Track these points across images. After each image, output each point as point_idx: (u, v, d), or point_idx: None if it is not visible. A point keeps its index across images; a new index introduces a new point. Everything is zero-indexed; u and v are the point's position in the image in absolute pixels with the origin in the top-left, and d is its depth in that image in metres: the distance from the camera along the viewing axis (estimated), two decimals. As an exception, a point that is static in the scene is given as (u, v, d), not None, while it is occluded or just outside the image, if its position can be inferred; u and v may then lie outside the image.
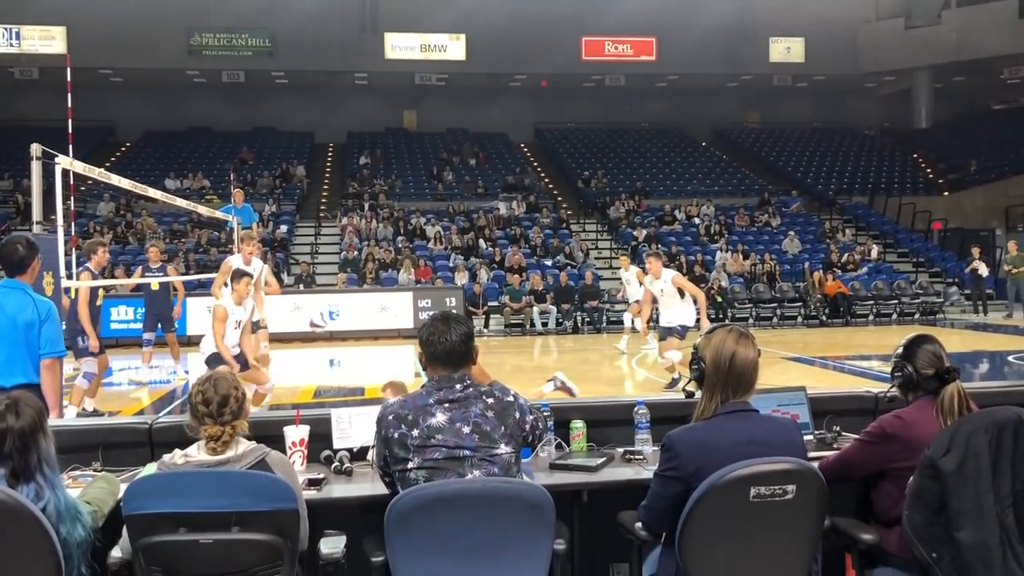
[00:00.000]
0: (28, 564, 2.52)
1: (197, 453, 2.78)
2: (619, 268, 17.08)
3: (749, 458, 2.63)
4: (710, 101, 31.70)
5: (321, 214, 25.06)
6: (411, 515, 2.52)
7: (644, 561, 3.03)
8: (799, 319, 19.84)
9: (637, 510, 2.93)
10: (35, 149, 6.37)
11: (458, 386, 2.85)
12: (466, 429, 2.77)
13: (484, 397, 2.86)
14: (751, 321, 19.46)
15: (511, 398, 2.92)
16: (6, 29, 26.50)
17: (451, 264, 20.76)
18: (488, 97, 30.58)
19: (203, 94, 29.73)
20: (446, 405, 2.80)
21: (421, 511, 2.52)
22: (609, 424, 3.88)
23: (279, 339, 16.63)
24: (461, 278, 19.64)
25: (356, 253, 21.09)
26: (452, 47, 28.43)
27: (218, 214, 13.36)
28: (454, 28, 28.12)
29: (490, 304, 18.90)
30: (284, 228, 22.64)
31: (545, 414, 3.70)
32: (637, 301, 13.86)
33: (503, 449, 2.79)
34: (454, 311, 3.09)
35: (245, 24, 27.47)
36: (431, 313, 14.02)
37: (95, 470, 3.45)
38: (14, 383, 4.29)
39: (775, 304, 20.03)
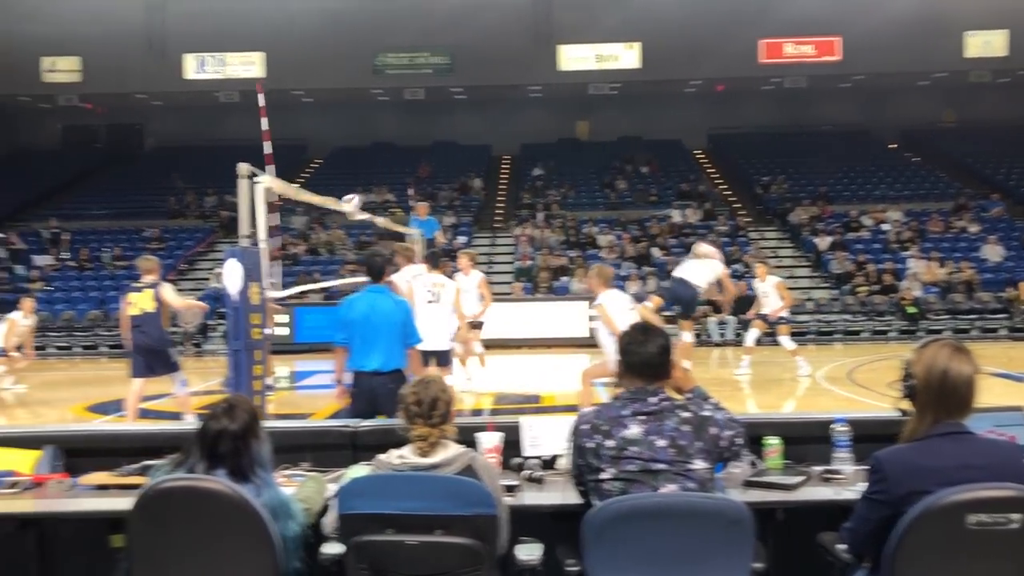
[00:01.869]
0: (249, 555, 2.72)
1: (409, 454, 2.90)
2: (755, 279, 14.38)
3: (964, 483, 2.46)
4: (899, 101, 29.96)
5: (496, 224, 25.59)
6: (609, 527, 2.53)
7: (845, 584, 2.90)
8: (1002, 331, 18.38)
9: (839, 531, 2.81)
10: (242, 169, 6.85)
11: (652, 399, 2.83)
12: (661, 443, 2.74)
13: (679, 411, 2.82)
14: (947, 334, 18.22)
15: (707, 412, 2.87)
16: (212, 56, 28.77)
17: (624, 273, 20.67)
18: (661, 104, 30.25)
19: (386, 111, 31.08)
20: (640, 417, 2.79)
21: (620, 523, 2.53)
22: (805, 441, 3.74)
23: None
24: (633, 287, 19.50)
25: (530, 262, 21.39)
26: (626, 56, 28.32)
27: (402, 228, 13.92)
28: (628, 37, 28.02)
29: (664, 314, 18.63)
30: (463, 239, 23.28)
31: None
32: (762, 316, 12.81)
33: (699, 464, 2.75)
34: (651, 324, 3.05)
35: (426, 42, 28.50)
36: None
37: (304, 470, 3.67)
38: (392, 368, 5.51)
39: (974, 315, 18.67)
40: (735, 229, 23.38)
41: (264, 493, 2.83)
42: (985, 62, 28.11)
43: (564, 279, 20.24)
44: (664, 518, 2.52)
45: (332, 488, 3.25)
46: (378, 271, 5.77)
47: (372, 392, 5.42)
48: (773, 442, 3.65)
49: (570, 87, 29.14)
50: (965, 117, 30.66)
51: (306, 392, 12.72)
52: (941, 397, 2.61)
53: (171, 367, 8.57)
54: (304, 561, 2.90)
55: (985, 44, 27.77)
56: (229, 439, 2.84)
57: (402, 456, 2.91)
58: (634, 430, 2.77)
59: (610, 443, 2.76)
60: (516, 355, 16.69)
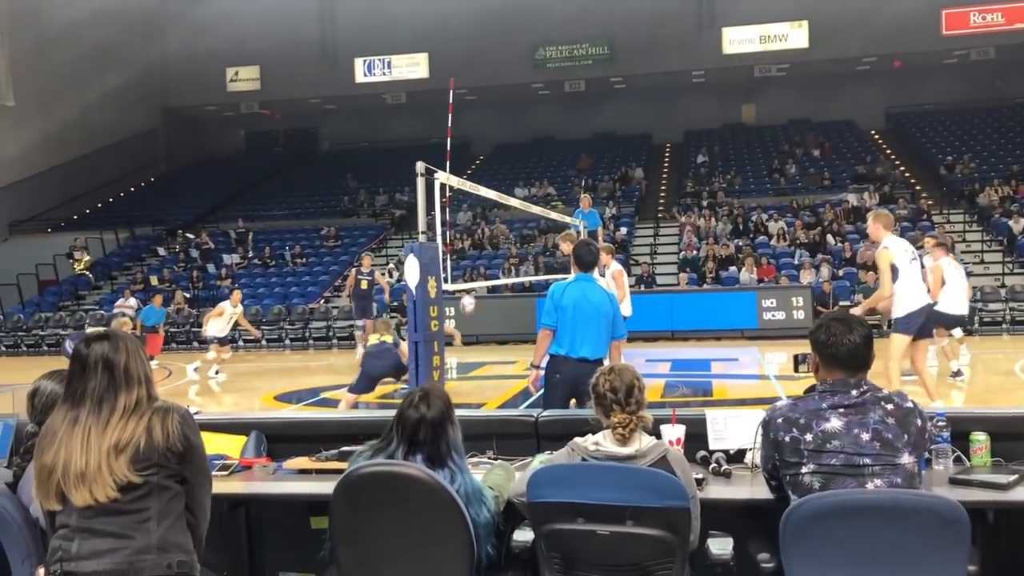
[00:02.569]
0: (447, 539, 2.80)
1: (605, 441, 2.90)
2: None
3: None
4: (1103, 68, 27.32)
5: (659, 214, 25.25)
6: (812, 523, 2.44)
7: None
8: None
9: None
10: (419, 167, 7.08)
11: (854, 391, 2.71)
12: (865, 436, 2.62)
13: (883, 403, 2.69)
14: None
15: (911, 404, 2.73)
16: (380, 60, 29.90)
17: (796, 261, 19.92)
18: (832, 84, 28.91)
19: (546, 105, 31.28)
20: (841, 410, 2.68)
21: (823, 519, 2.43)
22: (1017, 438, 3.47)
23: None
24: (807, 276, 18.77)
25: (695, 252, 20.98)
26: (794, 35, 27.26)
27: (567, 219, 13.97)
28: (795, 15, 26.95)
29: (841, 304, 17.83)
30: (624, 230, 23.12)
31: (940, 423, 3.40)
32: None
33: (906, 458, 2.62)
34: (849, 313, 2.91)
35: (586, 34, 28.48)
36: (776, 313, 13.42)
37: (490, 458, 3.75)
38: (599, 357, 5.51)
39: None
40: (917, 212, 22.03)
41: (458, 479, 2.91)
42: None
43: (732, 269, 19.71)
44: (871, 515, 2.40)
45: (519, 476, 3.30)
46: (591, 261, 5.77)
47: (578, 379, 5.12)
48: (980, 438, 3.41)
49: (735, 70, 28.37)
50: None
51: (476, 382, 13.01)
52: None
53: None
54: (494, 547, 2.97)
55: None
56: (427, 426, 2.94)
57: (598, 443, 2.90)
58: (835, 423, 2.66)
59: (808, 437, 2.66)
60: (683, 347, 16.42)
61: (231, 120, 33.73)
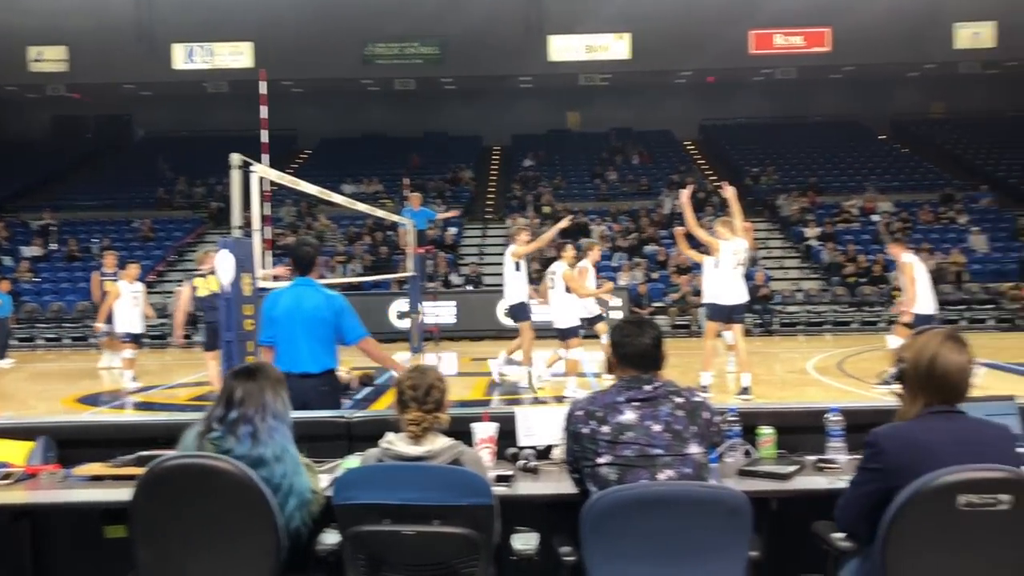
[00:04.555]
0: (252, 536, 2.75)
1: (397, 440, 2.92)
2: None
3: (960, 461, 2.50)
4: (889, 92, 30.06)
5: (488, 216, 25.57)
6: (608, 516, 2.54)
7: (839, 573, 2.92)
8: (990, 322, 18.52)
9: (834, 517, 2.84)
10: (235, 159, 6.81)
11: (647, 386, 2.87)
12: (657, 428, 2.78)
13: (673, 396, 2.86)
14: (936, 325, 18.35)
15: (699, 398, 2.91)
16: (200, 47, 28.59)
17: (615, 264, 20.69)
18: (652, 95, 30.27)
19: (376, 102, 30.98)
20: (635, 403, 2.83)
21: (619, 512, 2.53)
22: (799, 431, 3.76)
23: (447, 337, 17.13)
24: (625, 278, 19.54)
25: (522, 254, 21.37)
26: (616, 46, 28.29)
27: (395, 218, 13.88)
28: (619, 27, 27.99)
29: (655, 304, 18.70)
30: (453, 230, 23.24)
31: (732, 419, 3.63)
32: None
33: (694, 449, 2.79)
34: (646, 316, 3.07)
35: (416, 33, 28.40)
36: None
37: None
38: (322, 369, 4.92)
39: (963, 306, 18.78)
40: (725, 220, 23.40)
41: (281, 470, 2.87)
42: (974, 53, 28.19)
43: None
44: (663, 507, 2.53)
45: (325, 479, 3.25)
46: (308, 262, 5.16)
47: (303, 396, 4.68)
48: (767, 432, 3.66)
49: (561, 78, 29.11)
50: (954, 108, 30.80)
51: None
52: (930, 382, 2.67)
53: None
54: (299, 551, 2.91)
55: (974, 36, 27.85)
56: (248, 394, 2.97)
57: (389, 442, 2.91)
58: (629, 416, 2.80)
59: (605, 429, 2.79)
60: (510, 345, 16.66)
61: (36, 103, 31.24)
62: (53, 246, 23.17)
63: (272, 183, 8.05)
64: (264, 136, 7.60)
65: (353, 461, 3.29)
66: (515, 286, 10.83)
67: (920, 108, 31.02)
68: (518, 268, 10.83)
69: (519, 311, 10.83)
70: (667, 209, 23.58)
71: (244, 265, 6.29)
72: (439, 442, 2.91)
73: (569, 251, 10.54)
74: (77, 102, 30.76)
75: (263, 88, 7.67)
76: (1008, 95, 30.00)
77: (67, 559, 3.77)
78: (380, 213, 14.18)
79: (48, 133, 32.21)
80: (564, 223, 11.97)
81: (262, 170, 6.90)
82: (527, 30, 28.24)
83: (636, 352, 2.91)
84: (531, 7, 28.18)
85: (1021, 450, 3.54)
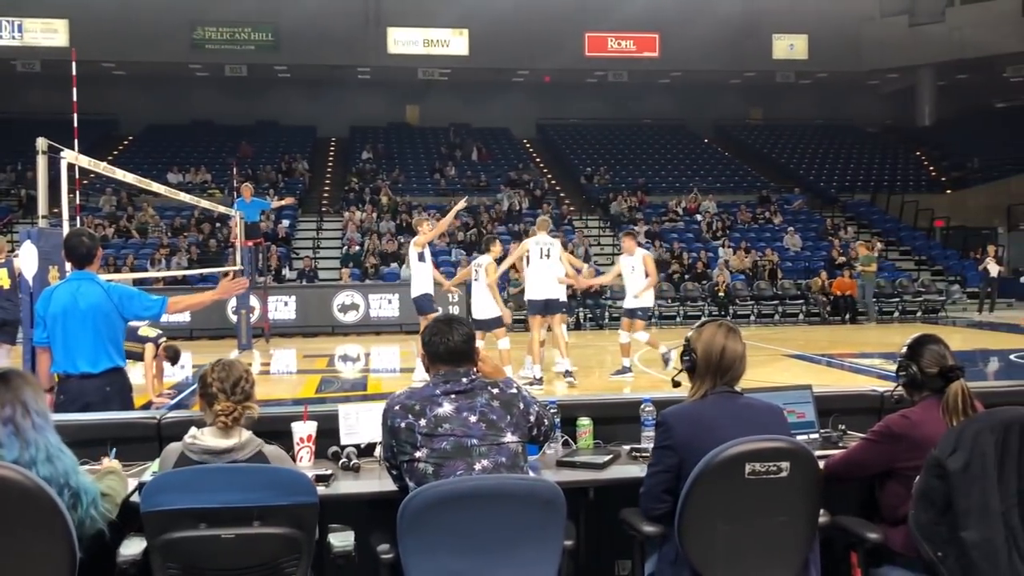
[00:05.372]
0: (44, 548, 2.53)
1: (203, 434, 2.83)
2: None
3: (741, 435, 2.75)
4: (713, 98, 31.68)
5: (323, 209, 25.07)
6: (424, 512, 2.54)
7: (647, 558, 3.06)
8: (800, 316, 19.87)
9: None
10: (41, 143, 6.35)
11: (464, 379, 2.91)
12: (473, 418, 2.82)
13: (490, 388, 2.92)
14: (752, 318, 19.51)
15: (515, 390, 2.99)
16: (8, 22, 26.49)
17: (453, 259, 20.78)
18: (491, 92, 30.57)
19: (205, 88, 29.70)
20: (453, 396, 2.86)
21: (434, 508, 2.54)
22: (616, 421, 3.90)
23: (283, 334, 16.69)
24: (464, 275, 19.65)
25: (358, 248, 21.11)
26: (455, 42, 28.41)
27: (223, 209, 13.37)
28: (457, 23, 28.10)
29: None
30: (286, 223, 22.64)
31: (552, 411, 3.71)
32: None
33: (509, 438, 2.84)
34: (456, 313, 3.13)
35: (248, 18, 27.45)
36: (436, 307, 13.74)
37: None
38: (103, 368, 4.60)
39: (777, 301, 20.05)
40: (560, 217, 23.97)
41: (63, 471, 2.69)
42: (790, 64, 30.21)
43: (393, 265, 20.10)
44: (479, 501, 2.55)
45: (133, 483, 3.09)
46: (84, 255, 4.72)
47: (84, 398, 4.54)
48: (584, 423, 3.78)
49: (400, 71, 28.94)
50: (771, 115, 32.83)
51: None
52: (719, 370, 2.98)
53: (12, 339, 8.89)
54: (97, 562, 2.74)
55: (789, 47, 29.83)
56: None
57: (194, 437, 2.82)
58: (447, 408, 2.83)
59: (423, 422, 2.80)
60: (344, 343, 16.46)
61: None
62: None
63: (90, 171, 7.57)
64: (75, 120, 7.12)
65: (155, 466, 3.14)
66: (420, 277, 10.58)
67: (741, 114, 32.88)
68: (422, 258, 10.59)
69: (423, 303, 10.52)
70: (505, 206, 23.89)
71: (51, 256, 5.88)
72: (245, 435, 2.85)
73: (497, 246, 10.36)
74: None
75: (73, 68, 7.19)
76: (818, 104, 32.31)
77: None
78: (207, 204, 13.60)
79: None
80: (461, 204, 12.48)
81: (72, 156, 6.47)
82: (366, 21, 27.89)
83: (448, 350, 2.95)
84: (370, -2, 27.88)
85: (814, 436, 3.84)
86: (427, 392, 2.90)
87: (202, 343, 15.53)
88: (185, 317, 16.02)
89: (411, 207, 23.52)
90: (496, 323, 10.17)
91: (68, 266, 6.14)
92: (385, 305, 17.81)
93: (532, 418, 2.97)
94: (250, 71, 28.49)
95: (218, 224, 21.17)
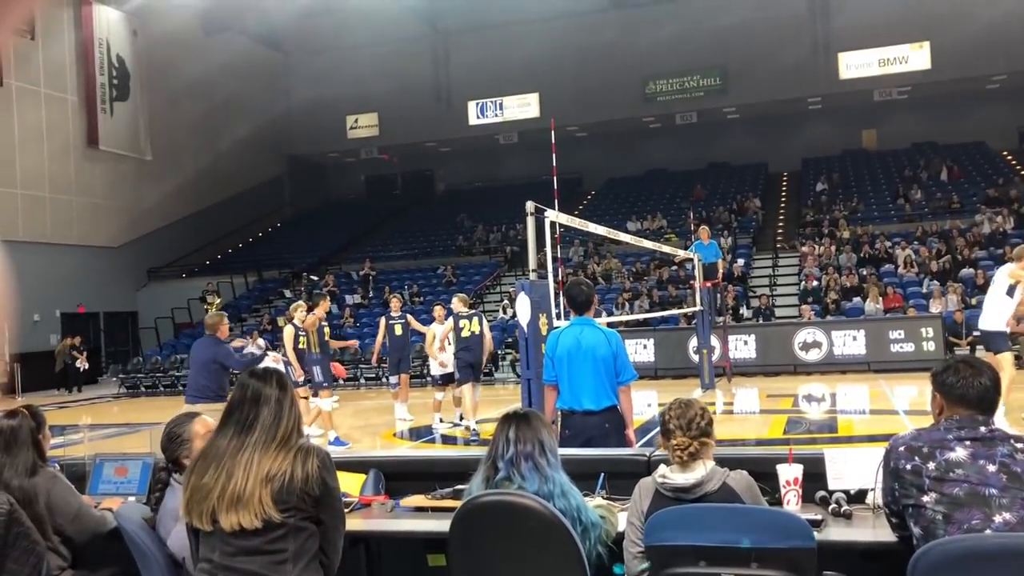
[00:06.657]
0: (561, 572, 2.82)
1: (669, 472, 2.97)
2: None
3: None
4: None
5: (778, 244, 24.67)
6: (942, 569, 2.33)
7: None
8: None
9: None
10: (529, 206, 7.17)
11: (983, 428, 2.62)
12: (991, 468, 2.52)
13: (1012, 441, 2.58)
14: None
15: None
16: (492, 102, 30.54)
17: (924, 290, 19.07)
18: (959, 104, 27.74)
19: (658, 138, 31.17)
20: (967, 442, 2.59)
21: (953, 565, 2.32)
22: None
23: (743, 372, 16.65)
24: (937, 305, 17.92)
25: (816, 283, 20.36)
26: (914, 57, 26.37)
27: (682, 253, 13.82)
28: (915, 37, 26.09)
29: (975, 334, 16.92)
30: (741, 261, 22.68)
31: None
32: None
33: None
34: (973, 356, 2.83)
35: (698, 65, 28.34)
36: (904, 344, 12.74)
37: (603, 497, 3.74)
38: (604, 406, 5.05)
39: None
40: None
41: (553, 486, 2.97)
42: None
43: (856, 299, 19.03)
44: (1007, 561, 2.28)
45: (623, 517, 3.29)
46: (583, 302, 5.29)
47: (587, 433, 4.99)
48: None
49: (853, 95, 27.65)
50: None
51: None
52: None
53: (477, 377, 11.57)
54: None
55: None
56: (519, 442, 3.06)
57: (663, 475, 2.96)
58: (960, 453, 2.57)
59: (931, 465, 2.58)
60: (808, 382, 15.92)
61: (352, 165, 35.03)
62: (371, 294, 25.56)
63: (560, 225, 8.37)
64: (555, 183, 7.92)
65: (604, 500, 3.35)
66: (999, 309, 9.25)
67: None
68: (1010, 292, 9.15)
69: (999, 340, 9.27)
70: (985, 229, 21.37)
71: (540, 306, 6.56)
72: (709, 466, 2.94)
73: None
74: (386, 163, 34.04)
75: (552, 136, 8.01)
76: None
77: (395, 583, 4.10)
78: (666, 248, 14.18)
79: (362, 192, 35.87)
80: None
81: (554, 215, 7.19)
82: (814, 49, 27.19)
83: (976, 394, 2.68)
84: (818, 26, 27.14)
85: None
86: (936, 435, 2.67)
87: (666, 382, 16.11)
88: (651, 357, 16.84)
89: (873, 237, 22.13)
90: (998, 339, 8.96)
91: (554, 312, 6.82)
92: (850, 342, 16.88)
93: None
94: (700, 116, 29.32)
95: (674, 267, 21.92)
